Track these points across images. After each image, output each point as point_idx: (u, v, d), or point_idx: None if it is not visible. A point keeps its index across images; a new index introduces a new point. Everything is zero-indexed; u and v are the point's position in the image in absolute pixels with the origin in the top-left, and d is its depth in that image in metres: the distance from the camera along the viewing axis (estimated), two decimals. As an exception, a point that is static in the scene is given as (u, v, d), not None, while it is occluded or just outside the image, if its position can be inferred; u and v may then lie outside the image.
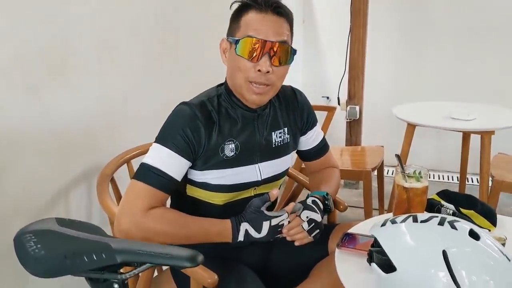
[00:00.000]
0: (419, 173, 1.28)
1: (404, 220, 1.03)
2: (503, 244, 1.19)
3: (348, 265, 1.19)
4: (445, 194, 1.45)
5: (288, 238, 1.34)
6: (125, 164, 1.63)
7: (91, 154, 1.66)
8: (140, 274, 1.45)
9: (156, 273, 1.67)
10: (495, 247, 0.97)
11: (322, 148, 1.63)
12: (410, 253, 0.98)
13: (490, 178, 2.57)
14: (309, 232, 1.35)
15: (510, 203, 3.31)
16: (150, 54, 1.93)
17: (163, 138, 1.32)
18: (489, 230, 1.34)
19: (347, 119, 3.72)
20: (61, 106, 1.52)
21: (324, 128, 3.14)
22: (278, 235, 1.34)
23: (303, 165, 2.19)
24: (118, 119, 1.77)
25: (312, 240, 1.37)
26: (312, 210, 1.36)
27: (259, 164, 1.43)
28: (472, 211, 1.38)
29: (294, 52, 1.35)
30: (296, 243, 1.36)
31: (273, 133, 1.46)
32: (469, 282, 0.93)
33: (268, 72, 1.30)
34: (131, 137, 1.75)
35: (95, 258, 0.73)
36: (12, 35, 1.32)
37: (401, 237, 1.00)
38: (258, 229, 1.29)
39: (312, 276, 1.40)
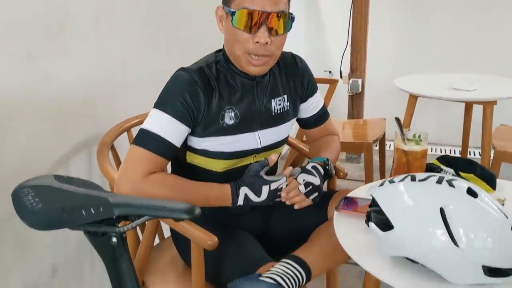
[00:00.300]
0: (419, 136, 1.28)
1: (402, 180, 1.03)
2: (502, 205, 1.18)
3: (346, 227, 1.20)
4: (445, 159, 1.44)
5: (287, 202, 1.35)
6: (125, 132, 1.63)
7: (90, 122, 1.66)
8: (141, 240, 1.47)
9: (158, 241, 1.69)
10: (493, 205, 0.97)
11: (322, 115, 1.62)
12: (408, 211, 0.98)
13: (492, 150, 2.56)
14: (307, 195, 1.35)
15: (513, 174, 3.31)
16: (149, 22, 1.92)
17: (162, 104, 1.31)
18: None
19: (349, 92, 3.71)
20: (60, 73, 1.51)
21: (326, 101, 3.11)
22: (277, 199, 1.34)
23: (304, 138, 2.20)
24: (117, 88, 1.77)
25: (311, 204, 1.38)
26: (310, 173, 1.36)
27: (258, 131, 1.43)
28: (471, 175, 1.37)
29: (292, 19, 1.33)
30: (296, 207, 1.37)
31: (272, 100, 1.45)
32: (466, 239, 0.93)
33: (266, 43, 1.28)
34: (131, 106, 1.75)
35: (92, 211, 0.74)
36: (10, 1, 1.31)
37: (399, 196, 1.00)
38: (258, 193, 1.29)
39: (311, 240, 1.40)
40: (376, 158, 3.01)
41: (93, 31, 1.62)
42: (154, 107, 1.32)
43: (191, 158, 1.42)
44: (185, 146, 1.39)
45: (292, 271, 1.27)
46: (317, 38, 4.16)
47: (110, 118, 1.65)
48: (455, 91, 2.56)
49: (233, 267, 1.34)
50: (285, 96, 1.48)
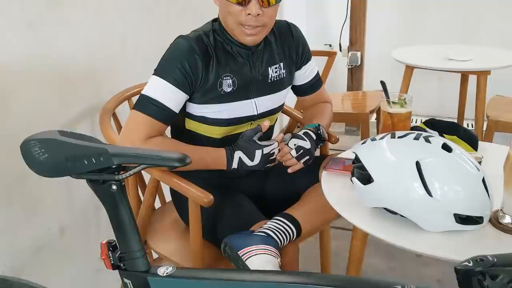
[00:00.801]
0: (404, 99, 1.34)
1: (382, 137, 1.10)
2: (479, 162, 1.26)
3: (333, 185, 1.28)
4: (430, 123, 1.51)
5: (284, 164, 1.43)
6: (126, 100, 1.70)
7: (92, 91, 1.73)
8: (143, 200, 1.55)
9: (159, 205, 1.78)
10: (467, 160, 1.04)
11: (316, 83, 1.68)
12: (386, 165, 1.06)
13: (486, 119, 2.62)
14: (298, 158, 1.42)
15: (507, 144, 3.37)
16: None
17: (162, 71, 1.37)
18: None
19: (348, 65, 3.75)
20: (61, 43, 1.57)
21: (325, 73, 3.18)
22: (269, 165, 1.42)
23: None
24: (117, 58, 1.83)
25: (302, 167, 1.45)
26: (300, 138, 1.43)
27: (255, 99, 1.49)
28: (454, 136, 1.44)
29: None
30: (289, 170, 1.44)
31: (269, 68, 1.50)
32: (440, 190, 1.01)
33: (258, 14, 1.33)
34: (131, 75, 1.81)
35: (93, 161, 0.81)
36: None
37: (379, 151, 1.08)
38: (251, 157, 1.37)
39: (302, 199, 1.48)
40: (373, 130, 3.08)
41: (93, 1, 1.68)
42: (154, 74, 1.38)
43: (190, 125, 1.49)
44: (184, 113, 1.46)
45: (283, 226, 1.36)
46: (318, 11, 4.17)
47: (111, 87, 1.72)
48: (450, 62, 2.61)
49: (228, 225, 1.42)
50: (282, 64, 1.53)
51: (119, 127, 1.66)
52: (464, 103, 3.17)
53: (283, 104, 1.61)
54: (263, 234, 1.31)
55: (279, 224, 1.36)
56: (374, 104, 2.91)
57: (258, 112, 1.50)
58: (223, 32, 1.43)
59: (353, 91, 3.73)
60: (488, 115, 2.60)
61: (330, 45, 4.11)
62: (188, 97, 1.40)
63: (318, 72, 1.69)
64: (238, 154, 1.38)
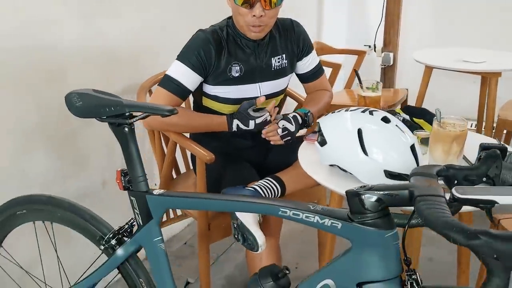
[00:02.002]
0: (376, 84, 1.62)
1: (339, 111, 1.40)
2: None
3: (307, 151, 1.59)
4: (407, 109, 1.78)
5: (263, 136, 1.75)
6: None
7: (133, 73, 2.11)
8: (165, 158, 1.92)
9: (184, 170, 2.15)
10: (401, 131, 1.32)
11: (316, 72, 1.97)
12: (337, 131, 1.36)
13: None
14: (282, 137, 1.74)
15: None
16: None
17: (182, 57, 1.73)
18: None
19: (381, 65, 3.98)
20: (109, 31, 1.97)
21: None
22: (265, 126, 1.73)
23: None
24: (156, 45, 2.21)
25: (283, 144, 1.76)
26: (289, 121, 1.74)
27: (259, 83, 1.81)
28: (422, 120, 1.71)
29: None
30: (271, 143, 1.76)
31: (272, 58, 1.82)
32: (375, 152, 1.30)
33: (261, 16, 1.64)
34: (166, 61, 2.17)
35: (112, 109, 1.18)
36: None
37: (333, 120, 1.38)
38: (246, 125, 1.70)
39: (291, 166, 1.80)
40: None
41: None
42: (176, 59, 1.74)
43: (206, 102, 1.84)
44: (201, 92, 1.81)
45: (270, 185, 1.68)
46: (359, 13, 4.41)
47: (150, 70, 2.09)
48: (464, 63, 2.81)
49: (229, 181, 1.75)
50: (284, 55, 1.85)
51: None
52: (483, 105, 3.32)
53: (285, 88, 1.92)
54: (252, 189, 1.64)
55: (267, 183, 1.68)
56: (391, 99, 3.14)
57: (261, 94, 1.82)
58: (234, 27, 1.76)
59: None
60: (499, 114, 2.78)
61: (369, 46, 4.35)
62: (203, 79, 1.74)
63: (319, 62, 1.98)
64: (236, 122, 1.71)
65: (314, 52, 1.95)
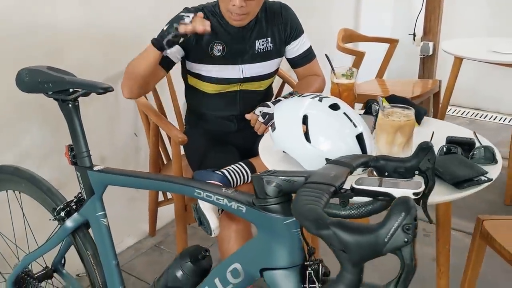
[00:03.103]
0: (350, 72, 1.56)
1: (293, 97, 1.37)
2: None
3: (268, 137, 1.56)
4: (391, 98, 1.71)
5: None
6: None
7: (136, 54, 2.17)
8: (148, 140, 1.96)
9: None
10: (348, 119, 1.27)
11: (306, 57, 1.92)
12: (285, 116, 1.33)
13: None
14: (266, 123, 1.68)
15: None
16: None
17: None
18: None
19: (420, 55, 3.81)
20: (111, 14, 2.03)
21: (386, 59, 3.33)
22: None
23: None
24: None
25: (268, 129, 1.72)
26: (265, 105, 1.71)
27: (242, 65, 1.79)
28: (401, 110, 1.63)
29: None
30: (259, 133, 1.73)
31: (256, 41, 1.79)
32: (317, 140, 1.26)
33: (241, 6, 1.61)
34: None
35: (56, 85, 1.22)
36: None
37: (284, 106, 1.35)
38: (163, 34, 1.61)
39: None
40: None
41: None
42: None
43: (191, 80, 1.85)
44: (186, 70, 1.82)
45: (240, 170, 1.67)
46: (405, 1, 4.25)
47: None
48: (493, 54, 2.63)
49: (208, 163, 1.76)
50: (269, 39, 1.82)
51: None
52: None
53: (272, 73, 1.89)
54: (220, 173, 1.64)
55: (237, 168, 1.67)
56: (417, 90, 3.01)
57: (244, 76, 1.80)
58: (220, 10, 1.74)
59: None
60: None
61: (414, 34, 4.16)
62: (183, 52, 1.74)
63: (310, 47, 1.92)
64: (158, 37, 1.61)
65: (303, 36, 1.90)
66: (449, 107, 3.91)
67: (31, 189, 1.45)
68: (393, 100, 1.69)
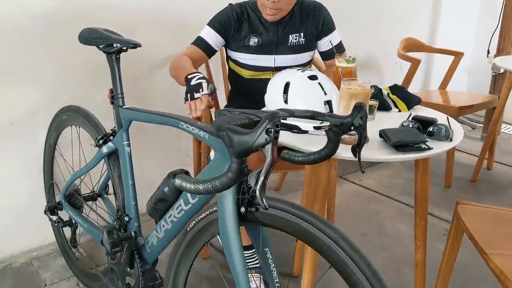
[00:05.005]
0: (352, 58, 1.81)
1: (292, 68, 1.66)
2: (372, 106, 1.68)
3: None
4: (393, 87, 1.93)
5: None
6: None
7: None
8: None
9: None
10: (320, 87, 1.53)
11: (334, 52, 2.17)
12: (274, 83, 1.62)
13: None
14: None
15: None
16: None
17: (210, 22, 2.06)
18: (400, 110, 1.81)
19: (492, 72, 3.82)
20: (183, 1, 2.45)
21: (450, 72, 3.43)
22: None
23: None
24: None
25: None
26: None
27: (275, 55, 2.08)
28: (395, 96, 1.85)
29: None
30: None
31: (290, 35, 2.07)
32: (293, 101, 1.54)
33: (274, 1, 1.89)
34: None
35: (104, 41, 1.64)
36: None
37: (277, 74, 1.67)
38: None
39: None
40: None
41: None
42: (206, 24, 2.08)
43: (231, 64, 2.18)
44: (227, 56, 2.16)
45: None
46: (490, 19, 4.25)
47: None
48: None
49: None
50: (302, 33, 2.09)
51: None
52: None
53: (304, 63, 2.13)
54: None
55: None
56: (466, 101, 3.09)
57: (276, 65, 2.07)
58: (257, 5, 2.04)
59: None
60: None
61: (488, 52, 4.17)
62: (224, 41, 2.06)
63: (340, 42, 2.17)
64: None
65: (334, 32, 2.14)
66: (508, 126, 3.90)
67: (85, 123, 1.89)
68: (394, 89, 1.90)
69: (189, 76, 1.58)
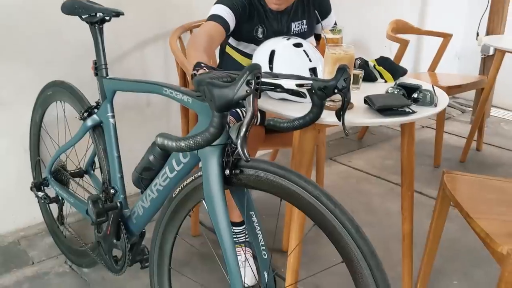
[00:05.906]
0: (338, 30, 1.80)
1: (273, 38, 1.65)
2: (358, 76, 1.67)
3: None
4: (379, 59, 1.92)
5: None
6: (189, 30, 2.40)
7: (186, 17, 2.54)
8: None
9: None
10: (305, 55, 1.53)
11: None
12: (259, 52, 1.62)
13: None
14: None
15: None
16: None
17: (222, 1, 1.90)
18: (386, 81, 1.81)
19: (481, 54, 3.83)
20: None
21: (439, 54, 3.44)
22: None
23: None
24: None
25: None
26: None
27: None
28: (381, 67, 1.84)
29: None
30: None
31: (292, 23, 2.01)
32: (279, 68, 1.53)
33: None
34: (199, 13, 2.40)
35: (86, 11, 1.62)
36: None
37: (266, 43, 1.67)
38: None
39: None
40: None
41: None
42: (215, 3, 1.91)
43: (230, 51, 2.08)
44: (227, 42, 2.07)
45: None
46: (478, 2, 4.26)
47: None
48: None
49: None
50: (304, 21, 2.04)
51: (182, 47, 2.42)
52: None
53: None
54: (235, 110, 1.93)
55: None
56: (452, 81, 3.09)
57: None
58: None
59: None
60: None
61: (477, 34, 4.15)
62: (235, 21, 1.85)
63: (335, 23, 2.13)
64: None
65: (331, 15, 2.09)
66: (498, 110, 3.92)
67: (70, 98, 1.87)
68: (380, 61, 1.90)
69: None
